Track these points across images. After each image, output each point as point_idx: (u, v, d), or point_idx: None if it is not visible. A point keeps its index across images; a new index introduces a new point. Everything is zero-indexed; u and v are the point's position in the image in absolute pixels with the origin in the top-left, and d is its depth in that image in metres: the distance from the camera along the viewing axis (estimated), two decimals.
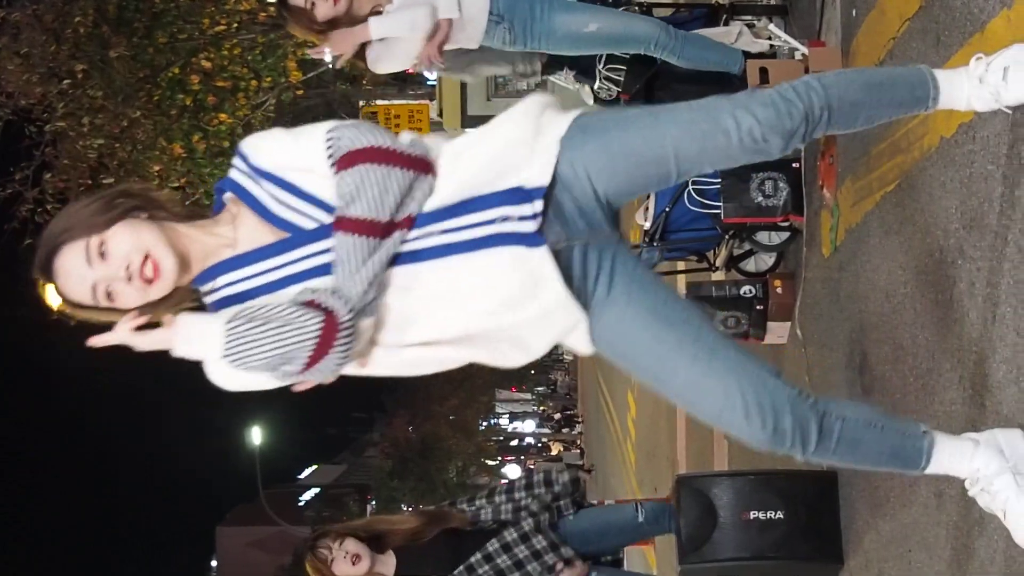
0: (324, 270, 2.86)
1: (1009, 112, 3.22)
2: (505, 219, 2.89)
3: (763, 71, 5.59)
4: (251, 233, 2.97)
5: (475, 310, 2.92)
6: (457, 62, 6.54)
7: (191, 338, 2.83)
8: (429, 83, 24.59)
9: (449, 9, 5.48)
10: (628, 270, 3.09)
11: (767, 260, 6.92)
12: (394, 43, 5.51)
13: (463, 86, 20.62)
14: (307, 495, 64.89)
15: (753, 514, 5.17)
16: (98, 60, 16.24)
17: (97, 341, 2.87)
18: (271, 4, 17.17)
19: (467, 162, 2.95)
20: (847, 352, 5.21)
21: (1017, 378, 3.31)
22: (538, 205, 2.90)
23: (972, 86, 3.19)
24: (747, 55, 6.03)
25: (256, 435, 43.79)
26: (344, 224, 2.80)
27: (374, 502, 49.11)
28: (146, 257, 2.88)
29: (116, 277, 2.88)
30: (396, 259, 2.87)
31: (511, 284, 2.90)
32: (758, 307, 6.42)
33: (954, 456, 3.15)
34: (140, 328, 2.86)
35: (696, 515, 5.27)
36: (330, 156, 2.87)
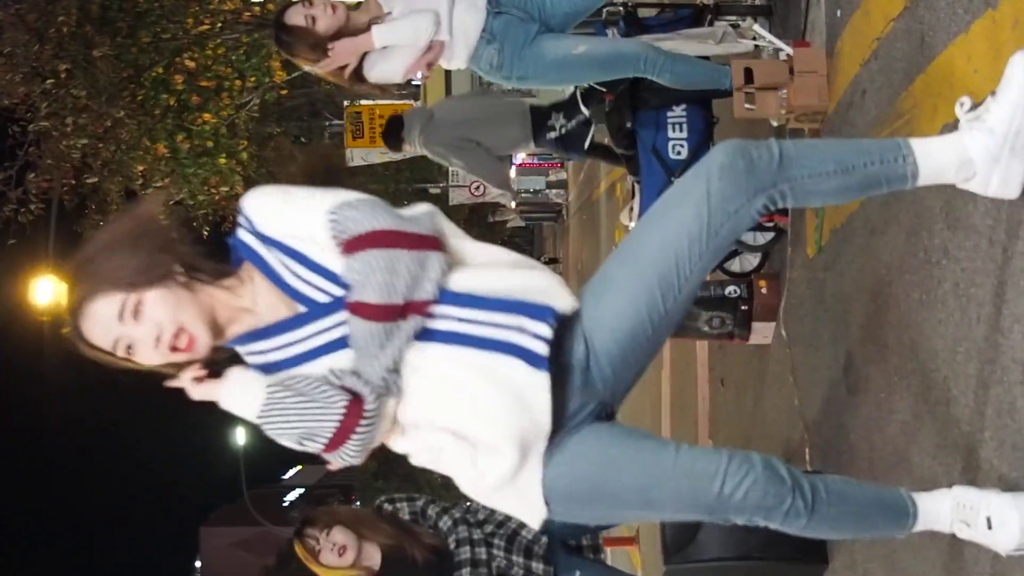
0: (340, 344, 2.89)
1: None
2: (521, 330, 2.90)
3: (748, 71, 5.59)
4: (268, 300, 3.01)
5: (463, 405, 2.94)
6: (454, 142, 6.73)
7: (235, 394, 2.93)
8: (414, 83, 24.61)
9: (441, 31, 5.48)
10: (598, 424, 3.09)
11: (752, 260, 6.92)
12: (391, 53, 5.49)
13: (448, 87, 20.57)
14: (291, 495, 64.82)
15: None
16: (81, 60, 16.19)
17: (170, 384, 2.99)
18: (256, 4, 17.24)
19: (508, 275, 3.00)
20: (832, 352, 5.21)
21: (1002, 378, 3.32)
22: (550, 331, 2.91)
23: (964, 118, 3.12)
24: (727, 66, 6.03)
25: (240, 435, 43.83)
26: (357, 309, 2.82)
27: (359, 503, 49.03)
28: (180, 330, 2.91)
29: (143, 340, 2.91)
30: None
31: (503, 395, 2.91)
32: (743, 307, 6.41)
33: (937, 502, 3.18)
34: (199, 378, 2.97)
35: None
36: (334, 238, 2.87)
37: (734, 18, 6.38)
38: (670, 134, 6.27)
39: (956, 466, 3.63)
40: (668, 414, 11.48)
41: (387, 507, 5.63)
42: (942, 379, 3.80)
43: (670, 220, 3.01)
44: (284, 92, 19.86)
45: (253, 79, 17.91)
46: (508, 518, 5.60)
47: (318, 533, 5.30)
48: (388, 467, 46.29)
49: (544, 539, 5.58)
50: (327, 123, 25.67)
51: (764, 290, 6.41)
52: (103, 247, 2.97)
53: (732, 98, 5.70)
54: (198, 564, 65.08)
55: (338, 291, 2.89)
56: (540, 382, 2.90)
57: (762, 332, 6.46)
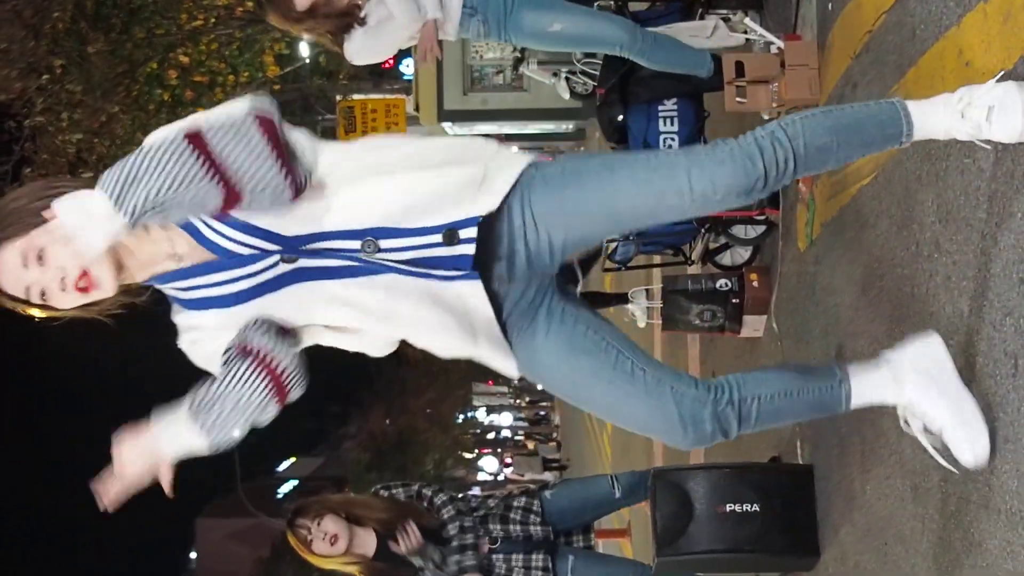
0: (269, 287, 2.98)
1: (988, 148, 3.17)
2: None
3: (739, 65, 5.56)
4: (191, 251, 2.99)
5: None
6: None
7: (171, 442, 2.90)
8: (405, 77, 24.59)
9: (434, 9, 5.51)
10: (553, 307, 3.26)
11: (743, 254, 6.90)
12: (380, 34, 5.50)
13: (439, 80, 20.59)
14: (285, 487, 64.84)
15: (729, 507, 5.14)
16: (77, 55, 16.19)
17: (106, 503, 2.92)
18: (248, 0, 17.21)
19: (409, 187, 3.02)
20: (823, 345, 5.19)
21: (993, 371, 3.29)
22: (471, 247, 3.03)
23: (952, 118, 3.11)
24: (716, 57, 6.01)
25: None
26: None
27: (352, 494, 49.05)
28: (84, 272, 2.87)
29: (50, 284, 2.88)
30: (344, 271, 3.00)
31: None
32: (734, 300, 6.39)
33: (876, 389, 3.36)
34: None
35: (672, 508, 5.24)
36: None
37: (725, 11, 6.36)
38: (661, 127, 6.25)
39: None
40: None
41: (383, 493, 5.65)
42: None
43: (662, 180, 3.08)
44: (277, 87, 19.82)
45: (246, 74, 17.91)
46: (501, 504, 5.66)
47: (309, 523, 5.31)
48: (381, 459, 46.38)
49: (537, 508, 5.65)
50: (319, 117, 25.62)
51: (755, 283, 6.38)
52: (8, 199, 2.97)
53: (723, 91, 5.67)
54: (193, 555, 65.14)
55: (263, 244, 2.94)
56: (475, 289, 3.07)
57: (753, 325, 6.44)
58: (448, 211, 3.00)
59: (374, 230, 2.98)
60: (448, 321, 3.07)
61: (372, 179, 3.00)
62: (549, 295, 3.25)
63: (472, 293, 3.05)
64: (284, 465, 72.30)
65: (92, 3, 16.39)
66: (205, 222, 2.93)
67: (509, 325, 3.20)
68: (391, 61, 25.86)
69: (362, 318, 3.07)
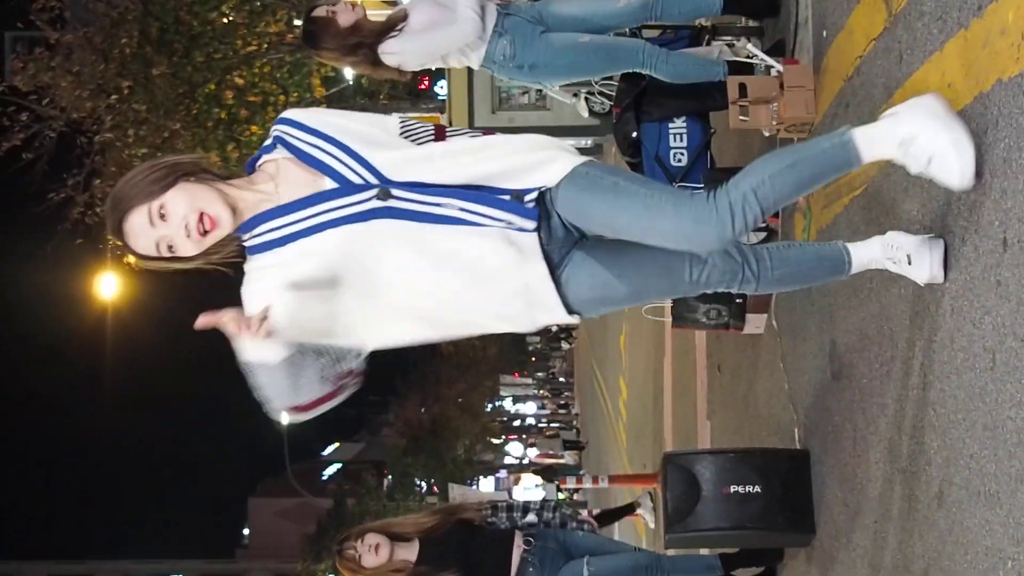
0: (356, 218, 3.17)
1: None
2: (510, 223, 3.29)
3: (742, 86, 5.57)
4: (291, 187, 3.22)
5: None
6: None
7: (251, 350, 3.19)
8: (440, 97, 24.65)
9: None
10: (584, 243, 3.48)
11: None
12: (422, 38, 5.51)
13: (471, 100, 20.62)
14: (329, 470, 64.99)
15: (733, 488, 5.15)
16: (142, 78, 16.31)
17: (202, 322, 3.04)
18: (298, 27, 17.30)
19: (488, 161, 3.34)
20: (818, 341, 5.19)
21: (974, 364, 3.29)
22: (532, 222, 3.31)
23: (897, 151, 3.25)
24: (730, 66, 6.00)
25: (284, 417, 44.39)
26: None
27: (390, 476, 49.14)
28: (201, 214, 3.10)
29: (176, 234, 3.10)
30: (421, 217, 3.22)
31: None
32: (738, 300, 6.40)
33: (870, 248, 3.76)
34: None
35: (681, 489, 5.25)
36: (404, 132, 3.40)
37: (729, 38, 6.36)
38: (671, 143, 6.26)
39: (932, 444, 3.61)
40: (670, 397, 11.47)
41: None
42: (919, 366, 3.77)
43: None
44: (323, 107, 19.90)
45: (295, 94, 17.97)
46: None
47: (354, 543, 5.43)
48: (416, 445, 46.45)
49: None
50: None
51: None
52: (125, 180, 3.18)
53: (728, 110, 5.68)
54: (246, 531, 65.39)
55: (370, 178, 3.18)
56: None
57: (755, 323, 6.44)
58: (517, 180, 3.30)
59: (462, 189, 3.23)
60: (501, 260, 3.28)
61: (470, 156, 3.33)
62: (579, 242, 3.47)
63: (528, 241, 3.29)
64: (328, 449, 72.39)
65: (156, 30, 16.50)
66: (323, 149, 3.21)
67: (560, 270, 3.41)
68: (427, 82, 25.95)
69: (420, 263, 3.22)
